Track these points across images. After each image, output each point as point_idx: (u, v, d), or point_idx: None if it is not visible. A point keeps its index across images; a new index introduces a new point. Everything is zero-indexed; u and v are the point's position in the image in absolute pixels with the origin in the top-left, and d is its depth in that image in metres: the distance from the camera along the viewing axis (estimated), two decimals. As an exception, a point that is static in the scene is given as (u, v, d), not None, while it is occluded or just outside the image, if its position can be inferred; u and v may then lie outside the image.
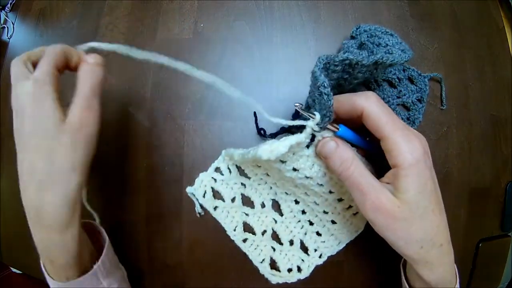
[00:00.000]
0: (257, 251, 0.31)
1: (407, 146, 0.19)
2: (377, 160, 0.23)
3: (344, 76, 0.23)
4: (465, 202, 0.34)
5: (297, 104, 0.22)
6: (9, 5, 0.46)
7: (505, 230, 0.36)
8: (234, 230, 0.31)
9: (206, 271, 0.33)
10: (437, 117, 0.34)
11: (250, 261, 0.31)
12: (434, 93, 0.34)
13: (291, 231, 0.32)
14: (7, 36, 0.44)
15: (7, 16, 0.45)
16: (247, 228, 0.32)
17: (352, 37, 0.33)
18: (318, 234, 0.31)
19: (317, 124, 0.21)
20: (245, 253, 0.31)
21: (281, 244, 0.32)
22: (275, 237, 0.32)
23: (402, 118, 0.33)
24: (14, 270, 0.44)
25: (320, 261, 0.31)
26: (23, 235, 0.39)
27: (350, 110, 0.21)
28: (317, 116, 0.21)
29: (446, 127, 0.34)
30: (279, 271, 0.31)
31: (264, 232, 0.32)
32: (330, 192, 0.26)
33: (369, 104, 0.20)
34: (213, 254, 0.32)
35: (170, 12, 0.35)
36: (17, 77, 0.22)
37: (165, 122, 0.33)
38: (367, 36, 0.30)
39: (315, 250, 0.32)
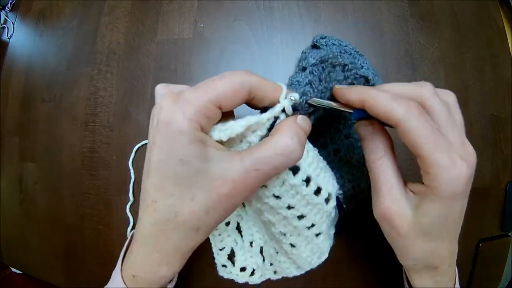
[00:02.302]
0: (220, 237, 0.30)
1: (449, 173, 0.16)
2: None
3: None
4: (465, 202, 0.34)
5: (295, 99, 0.18)
6: (9, 5, 0.46)
7: (505, 230, 0.36)
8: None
9: (206, 271, 0.33)
10: (437, 117, 0.34)
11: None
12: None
13: (252, 234, 0.30)
14: (7, 36, 0.44)
15: (7, 16, 0.45)
16: None
17: (315, 46, 0.30)
18: (276, 251, 0.28)
19: (293, 105, 0.18)
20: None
21: (242, 241, 0.31)
22: (239, 232, 0.31)
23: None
24: (14, 270, 0.44)
25: (274, 277, 0.29)
26: (23, 235, 0.40)
27: (384, 117, 0.18)
28: (295, 96, 0.18)
29: (446, 127, 0.34)
30: (233, 265, 0.30)
31: (228, 223, 0.31)
32: (289, 207, 0.22)
33: (408, 118, 0.17)
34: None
35: (170, 12, 0.35)
36: None
37: (165, 122, 0.33)
38: (340, 52, 0.28)
39: (271, 264, 0.29)
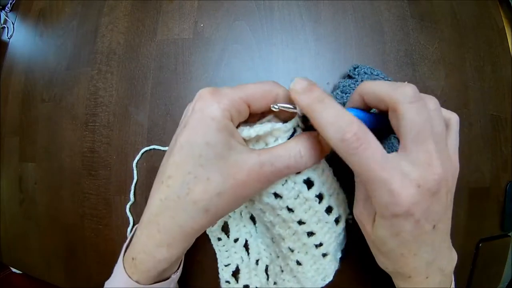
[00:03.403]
0: (227, 254, 0.31)
1: (387, 197, 0.16)
2: (384, 135, 0.22)
3: None
4: (465, 202, 0.34)
5: (276, 107, 0.19)
6: (9, 5, 0.46)
7: (505, 230, 0.36)
8: (212, 226, 0.30)
9: (206, 271, 0.33)
10: (437, 117, 0.34)
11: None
12: (434, 93, 0.34)
13: (259, 252, 0.30)
14: (7, 36, 0.44)
15: (7, 16, 0.45)
16: (225, 229, 0.31)
17: (349, 77, 0.31)
18: (281, 269, 0.27)
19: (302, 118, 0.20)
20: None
21: (248, 258, 0.31)
22: (246, 249, 0.31)
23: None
24: (14, 270, 0.44)
25: None
26: (23, 235, 0.40)
27: (377, 103, 0.19)
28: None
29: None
30: (237, 281, 0.30)
31: (236, 239, 0.31)
32: (300, 222, 0.22)
33: (406, 109, 0.17)
34: (214, 255, 0.32)
35: (170, 12, 0.35)
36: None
37: (164, 122, 0.33)
38: (373, 79, 0.29)
39: (274, 283, 0.28)
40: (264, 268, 0.30)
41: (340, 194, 0.25)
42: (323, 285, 0.26)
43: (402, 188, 0.16)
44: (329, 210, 0.23)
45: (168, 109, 0.33)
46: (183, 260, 0.26)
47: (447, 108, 0.35)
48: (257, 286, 0.30)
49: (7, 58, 0.44)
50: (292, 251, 0.24)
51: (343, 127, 0.16)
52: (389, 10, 0.35)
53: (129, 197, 0.33)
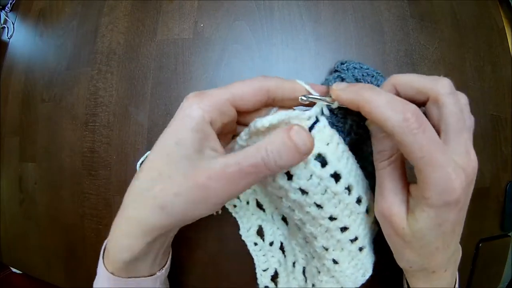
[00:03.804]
0: (264, 258, 0.30)
1: (440, 186, 0.16)
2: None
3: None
4: (465, 202, 0.34)
5: (304, 98, 0.19)
6: (9, 5, 0.46)
7: (505, 230, 0.36)
8: (248, 231, 0.30)
9: (206, 271, 0.33)
10: (437, 117, 0.34)
11: (251, 261, 0.31)
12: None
13: (295, 254, 0.29)
14: (7, 36, 0.44)
15: (7, 16, 0.45)
16: (260, 233, 0.31)
17: (337, 71, 0.30)
18: (318, 271, 0.26)
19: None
20: (246, 257, 0.31)
21: (285, 261, 0.30)
22: (282, 251, 0.31)
23: None
24: (14, 270, 0.44)
25: None
26: (23, 235, 0.40)
27: (379, 124, 0.17)
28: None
29: (446, 127, 0.34)
30: (276, 286, 0.30)
31: (272, 243, 0.30)
32: (331, 218, 0.21)
33: (403, 130, 0.16)
34: (214, 255, 0.32)
35: (170, 12, 0.35)
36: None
37: (164, 122, 0.33)
38: (362, 75, 0.28)
39: (313, 285, 0.27)
40: (301, 270, 0.29)
41: (365, 181, 0.23)
42: (364, 281, 0.24)
43: (456, 174, 0.16)
44: (359, 200, 0.22)
45: (168, 109, 0.33)
46: (169, 259, 0.25)
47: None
48: None
49: (7, 58, 0.44)
50: (327, 249, 0.23)
51: (401, 107, 0.16)
52: (389, 10, 0.35)
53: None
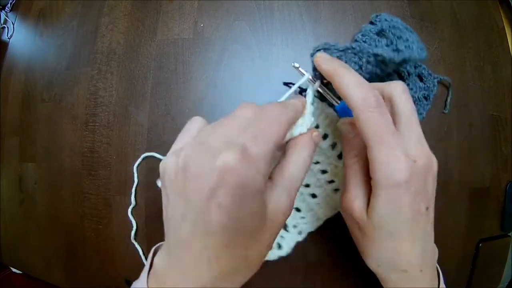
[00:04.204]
0: None
1: (387, 167, 0.17)
2: None
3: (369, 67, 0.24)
4: (465, 202, 0.34)
5: (296, 65, 0.23)
6: (9, 5, 0.46)
7: (505, 230, 0.36)
8: None
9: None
10: (437, 117, 0.34)
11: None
12: (435, 94, 0.34)
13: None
14: (7, 36, 0.44)
15: (7, 16, 0.45)
16: None
17: (372, 23, 0.33)
18: (298, 210, 0.30)
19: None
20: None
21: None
22: None
23: None
24: (14, 270, 0.44)
25: (299, 238, 0.30)
26: (23, 235, 0.40)
27: (343, 98, 0.20)
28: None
29: (446, 127, 0.34)
30: (287, 230, 0.30)
31: None
32: (316, 162, 0.25)
33: (363, 108, 0.18)
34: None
35: (170, 12, 0.35)
36: None
37: (164, 122, 0.33)
38: (389, 26, 0.30)
39: (294, 227, 0.30)
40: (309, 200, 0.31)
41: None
42: (335, 213, 0.29)
43: (405, 157, 0.17)
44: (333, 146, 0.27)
45: (168, 109, 0.33)
46: None
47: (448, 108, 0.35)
48: (279, 242, 0.30)
49: (7, 58, 0.44)
50: (308, 186, 0.28)
51: (366, 88, 0.18)
52: (389, 10, 0.35)
53: (131, 200, 0.33)
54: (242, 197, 0.15)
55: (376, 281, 0.32)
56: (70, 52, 0.38)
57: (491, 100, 0.36)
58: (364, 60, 0.23)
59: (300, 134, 0.19)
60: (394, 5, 0.35)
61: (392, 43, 0.28)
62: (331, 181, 0.28)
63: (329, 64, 0.20)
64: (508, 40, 0.39)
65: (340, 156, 0.27)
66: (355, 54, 0.23)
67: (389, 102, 0.20)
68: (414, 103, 0.33)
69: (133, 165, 0.33)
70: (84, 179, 0.35)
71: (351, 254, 0.32)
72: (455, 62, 0.35)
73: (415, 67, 0.33)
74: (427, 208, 0.19)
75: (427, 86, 0.33)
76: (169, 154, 0.17)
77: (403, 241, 0.19)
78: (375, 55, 0.23)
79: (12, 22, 0.45)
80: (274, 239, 0.18)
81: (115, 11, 0.37)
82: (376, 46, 0.29)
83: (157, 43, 0.35)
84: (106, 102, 0.35)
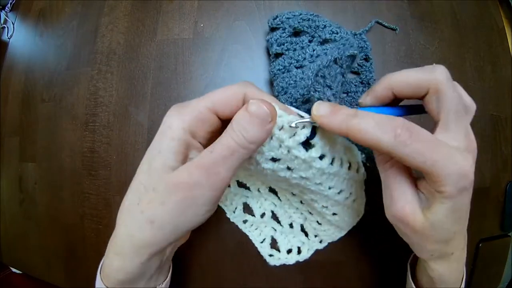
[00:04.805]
0: (258, 231, 0.31)
1: (454, 176, 0.16)
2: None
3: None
4: (465, 202, 0.34)
5: (293, 126, 0.19)
6: (9, 5, 0.46)
7: (505, 230, 0.36)
8: (234, 212, 0.31)
9: (206, 271, 0.33)
10: (437, 117, 0.34)
11: (250, 260, 0.31)
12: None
13: (290, 216, 0.32)
14: (7, 36, 0.44)
15: (7, 16, 0.45)
16: (247, 210, 0.32)
17: (273, 29, 0.30)
18: (318, 223, 0.30)
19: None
20: (244, 253, 0.31)
21: (281, 226, 0.32)
22: (275, 218, 0.32)
23: (355, 85, 0.32)
24: (14, 270, 0.44)
25: (320, 246, 0.31)
26: (23, 235, 0.40)
27: (374, 149, 0.18)
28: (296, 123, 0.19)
29: (446, 127, 0.34)
30: (279, 251, 0.31)
31: (263, 214, 0.32)
32: (330, 188, 0.24)
33: (398, 147, 0.16)
34: (214, 254, 0.32)
35: (170, 12, 0.35)
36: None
37: (165, 122, 0.33)
38: (298, 21, 0.29)
39: (315, 236, 0.31)
40: (299, 228, 0.31)
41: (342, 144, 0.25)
42: (358, 220, 0.29)
43: (464, 158, 0.17)
44: (349, 167, 0.25)
45: (168, 109, 0.33)
46: (170, 272, 0.24)
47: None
48: (299, 245, 0.31)
49: (7, 58, 0.44)
50: (326, 207, 0.27)
51: (389, 125, 0.16)
52: (389, 10, 0.35)
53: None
54: (159, 133, 0.18)
55: (376, 281, 0.32)
56: (70, 52, 0.38)
57: (491, 100, 0.36)
58: (344, 66, 0.23)
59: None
60: (394, 5, 0.35)
61: (317, 35, 0.27)
62: (350, 194, 0.27)
63: (335, 123, 0.18)
64: (508, 40, 0.39)
65: (349, 168, 0.25)
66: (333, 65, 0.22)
67: (435, 92, 0.18)
68: (358, 71, 0.32)
69: (134, 165, 0.33)
70: (84, 179, 0.35)
71: (351, 254, 0.32)
72: (455, 62, 0.35)
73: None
74: None
75: (360, 47, 0.32)
76: None
77: (456, 233, 0.19)
78: (351, 56, 0.22)
79: (12, 22, 0.45)
80: (171, 198, 0.17)
81: (115, 11, 0.37)
82: (326, 48, 0.27)
83: (157, 43, 0.35)
84: (106, 102, 0.35)
